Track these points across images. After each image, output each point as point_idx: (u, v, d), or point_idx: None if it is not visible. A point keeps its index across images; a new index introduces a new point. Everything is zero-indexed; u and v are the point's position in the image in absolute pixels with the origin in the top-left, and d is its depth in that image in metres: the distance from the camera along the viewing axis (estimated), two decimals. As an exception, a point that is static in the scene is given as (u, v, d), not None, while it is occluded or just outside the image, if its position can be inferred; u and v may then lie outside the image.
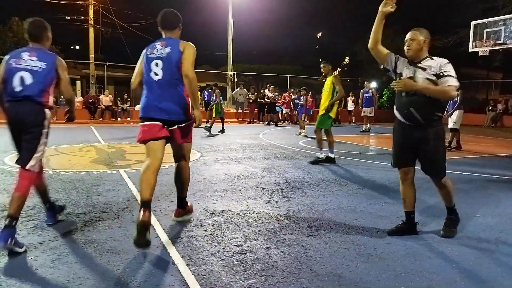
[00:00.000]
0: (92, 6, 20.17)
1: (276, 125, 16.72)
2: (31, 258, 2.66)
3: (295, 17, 52.14)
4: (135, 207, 3.89)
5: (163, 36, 3.31)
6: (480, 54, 13.45)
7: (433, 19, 24.63)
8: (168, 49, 3.12)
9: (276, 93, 17.75)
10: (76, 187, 4.64)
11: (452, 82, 3.02)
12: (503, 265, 2.77)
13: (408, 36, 3.17)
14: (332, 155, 6.88)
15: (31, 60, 3.00)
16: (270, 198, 4.42)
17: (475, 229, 3.52)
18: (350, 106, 19.05)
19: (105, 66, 19.15)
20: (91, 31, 20.22)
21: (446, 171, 3.24)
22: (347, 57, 32.89)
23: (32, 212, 3.65)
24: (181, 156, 3.40)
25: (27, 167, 2.93)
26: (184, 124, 3.17)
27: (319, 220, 3.66)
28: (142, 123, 3.13)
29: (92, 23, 20.19)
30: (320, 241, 3.12)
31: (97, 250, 2.82)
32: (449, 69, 3.04)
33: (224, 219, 3.62)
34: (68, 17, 21.15)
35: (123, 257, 2.72)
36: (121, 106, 16.94)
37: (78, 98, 17.84)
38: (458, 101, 8.91)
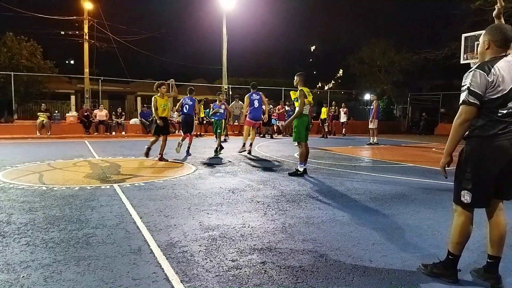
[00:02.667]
0: (87, 21, 20.29)
1: (272, 137, 16.77)
2: (23, 276, 2.61)
3: (289, 30, 52.75)
4: (128, 223, 3.85)
5: (255, 90, 10.06)
6: (472, 66, 13.64)
7: (424, 33, 25.04)
8: (258, 96, 9.97)
9: (271, 106, 17.87)
10: (70, 203, 4.60)
11: (461, 98, 2.49)
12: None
13: None
14: (301, 168, 6.82)
15: (189, 100, 9.33)
16: (265, 211, 4.40)
17: (471, 240, 3.50)
18: (343, 118, 19.19)
19: (100, 80, 19.20)
20: (86, 46, 20.29)
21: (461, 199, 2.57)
22: (341, 70, 33.23)
23: (25, 229, 3.60)
24: (256, 130, 11.15)
25: (192, 133, 9.93)
26: (259, 121, 11.02)
27: (315, 233, 3.65)
28: (254, 122, 10.03)
29: (87, 38, 20.27)
30: (316, 255, 3.10)
31: (91, 267, 2.78)
32: (466, 81, 2.49)
33: (219, 233, 3.59)
34: (62, 32, 21.28)
35: (116, 274, 2.68)
36: (116, 120, 16.91)
37: (73, 113, 17.80)
38: None
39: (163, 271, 2.72)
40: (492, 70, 2.41)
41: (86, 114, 16.48)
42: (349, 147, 12.98)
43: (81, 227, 3.68)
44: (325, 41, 44.36)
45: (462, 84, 2.50)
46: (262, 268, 2.82)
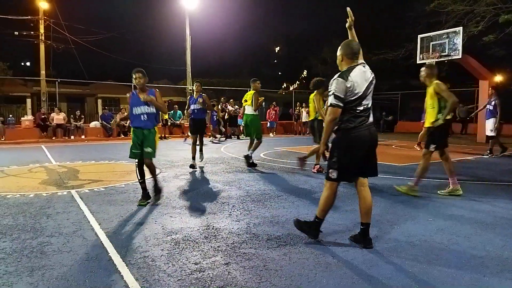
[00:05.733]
0: (43, 21, 19.39)
1: (238, 138, 16.74)
2: (-32, 291, 2.44)
3: (253, 31, 52.97)
4: (86, 230, 3.70)
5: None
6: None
7: (382, 34, 25.85)
8: None
9: (236, 106, 17.84)
10: (24, 211, 4.36)
11: (329, 102, 3.09)
12: (455, 267, 2.88)
13: None
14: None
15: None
16: (230, 212, 4.37)
17: (428, 232, 3.65)
18: (305, 118, 19.48)
19: (57, 82, 18.44)
20: (42, 47, 19.36)
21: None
22: (305, 71, 33.74)
23: (-28, 240, 3.38)
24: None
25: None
26: None
27: (279, 232, 3.66)
28: None
29: (43, 38, 19.37)
30: (280, 253, 3.11)
31: (45, 277, 2.64)
32: (332, 87, 3.06)
33: (183, 236, 3.52)
34: (16, 33, 20.21)
35: (73, 283, 2.56)
36: (75, 123, 16.27)
37: (29, 117, 16.96)
38: (492, 108, 9.22)
39: (122, 278, 2.63)
40: (349, 77, 3.03)
41: (43, 117, 15.75)
42: (314, 146, 13.14)
43: (35, 236, 3.50)
44: (289, 42, 44.79)
45: (329, 89, 3.09)
46: (226, 269, 2.80)
